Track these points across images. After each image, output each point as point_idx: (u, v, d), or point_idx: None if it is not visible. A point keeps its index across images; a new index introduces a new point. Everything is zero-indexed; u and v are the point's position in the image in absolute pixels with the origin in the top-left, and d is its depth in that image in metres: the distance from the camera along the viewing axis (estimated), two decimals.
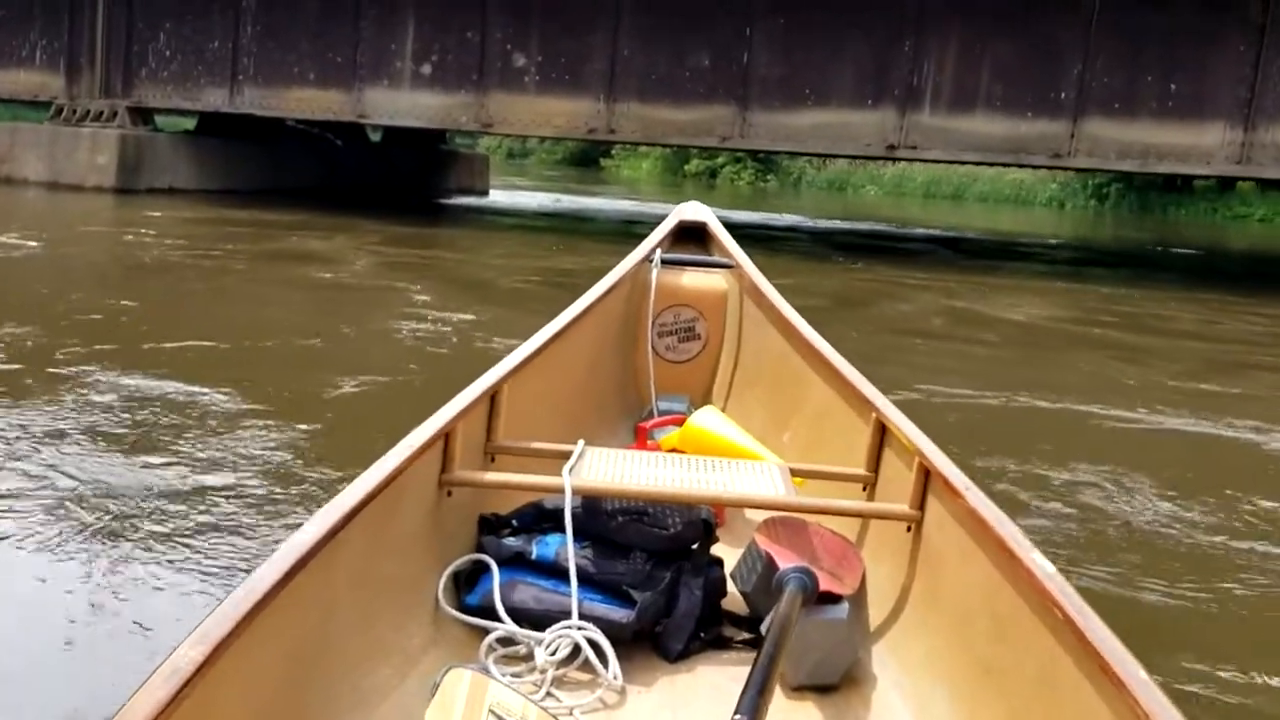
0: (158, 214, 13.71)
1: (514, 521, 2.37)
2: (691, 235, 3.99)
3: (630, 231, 16.12)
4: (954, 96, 13.52)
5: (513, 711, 1.68)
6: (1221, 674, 2.90)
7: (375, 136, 22.86)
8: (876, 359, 6.01)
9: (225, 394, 4.99)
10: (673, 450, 2.83)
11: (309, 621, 1.72)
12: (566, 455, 2.48)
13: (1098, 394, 6.47)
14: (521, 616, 2.15)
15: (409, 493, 2.12)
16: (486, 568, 2.24)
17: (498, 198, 23.63)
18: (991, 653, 1.94)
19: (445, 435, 2.26)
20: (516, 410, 2.68)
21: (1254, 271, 17.97)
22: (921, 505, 2.32)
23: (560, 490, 2.29)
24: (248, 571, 2.14)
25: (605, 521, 2.28)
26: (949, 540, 2.19)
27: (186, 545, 3.26)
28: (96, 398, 4.80)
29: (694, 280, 3.80)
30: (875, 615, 2.28)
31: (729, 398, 3.67)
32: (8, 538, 3.22)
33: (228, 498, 3.68)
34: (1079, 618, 1.66)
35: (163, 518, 3.45)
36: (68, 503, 3.52)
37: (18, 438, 4.15)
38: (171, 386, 5.06)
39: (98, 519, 3.40)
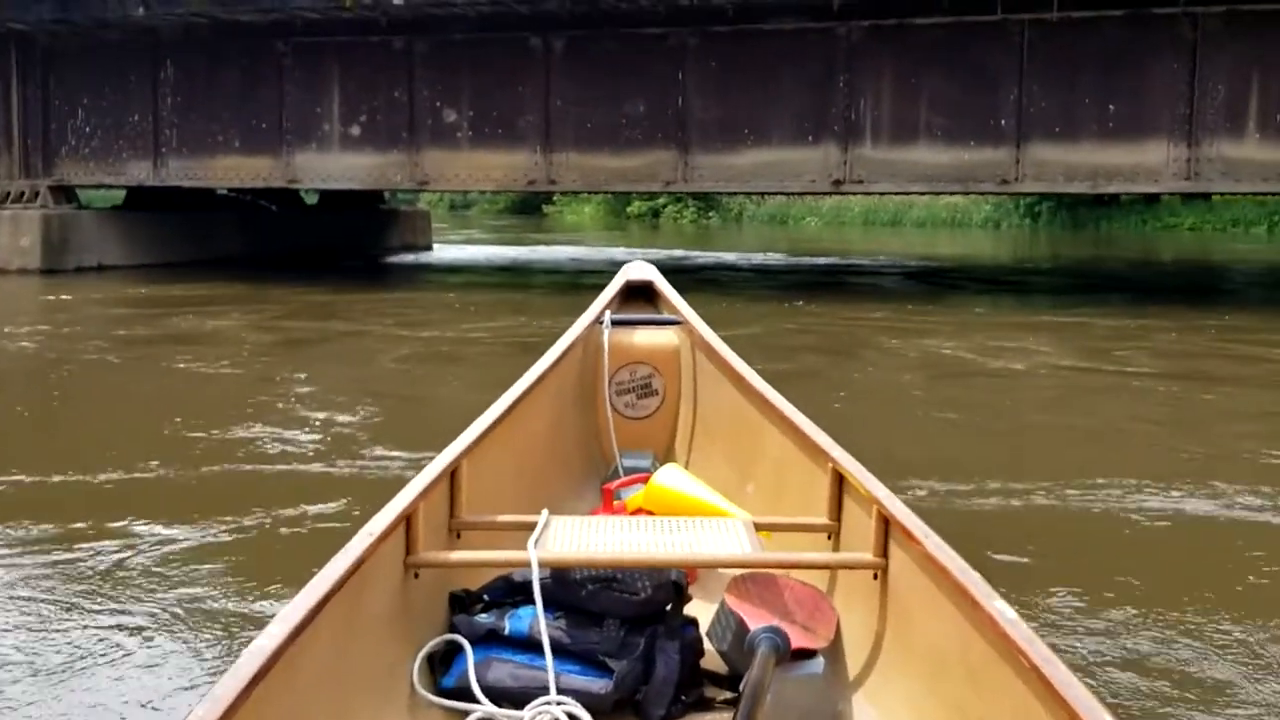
0: (69, 297, 13.18)
1: (485, 596, 2.35)
2: (639, 294, 4.05)
3: (578, 283, 15.80)
4: (894, 129, 13.39)
5: None
6: None
7: (311, 200, 22.57)
8: (873, 439, 5.21)
9: None
10: (638, 511, 2.86)
11: None
12: (532, 526, 2.44)
13: (1189, 479, 5.20)
14: (499, 695, 2.13)
15: (374, 580, 2.09)
16: (460, 647, 2.22)
17: (442, 252, 23.42)
18: (966, 700, 1.95)
19: (407, 517, 2.25)
20: (479, 484, 2.67)
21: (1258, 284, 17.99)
22: (885, 553, 2.33)
23: (528, 564, 2.24)
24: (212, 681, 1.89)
25: (575, 591, 2.26)
26: (914, 587, 2.20)
27: None
28: None
29: (645, 338, 3.84)
30: (852, 665, 2.27)
31: (691, 451, 3.71)
32: None
33: None
34: (1045, 666, 1.67)
35: None
36: None
37: None
38: None
39: None
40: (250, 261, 17.63)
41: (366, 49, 15.01)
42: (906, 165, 13.42)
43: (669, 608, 2.28)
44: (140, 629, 3.38)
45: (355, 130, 15.22)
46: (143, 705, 2.89)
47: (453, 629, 2.28)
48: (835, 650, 2.19)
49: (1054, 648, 1.75)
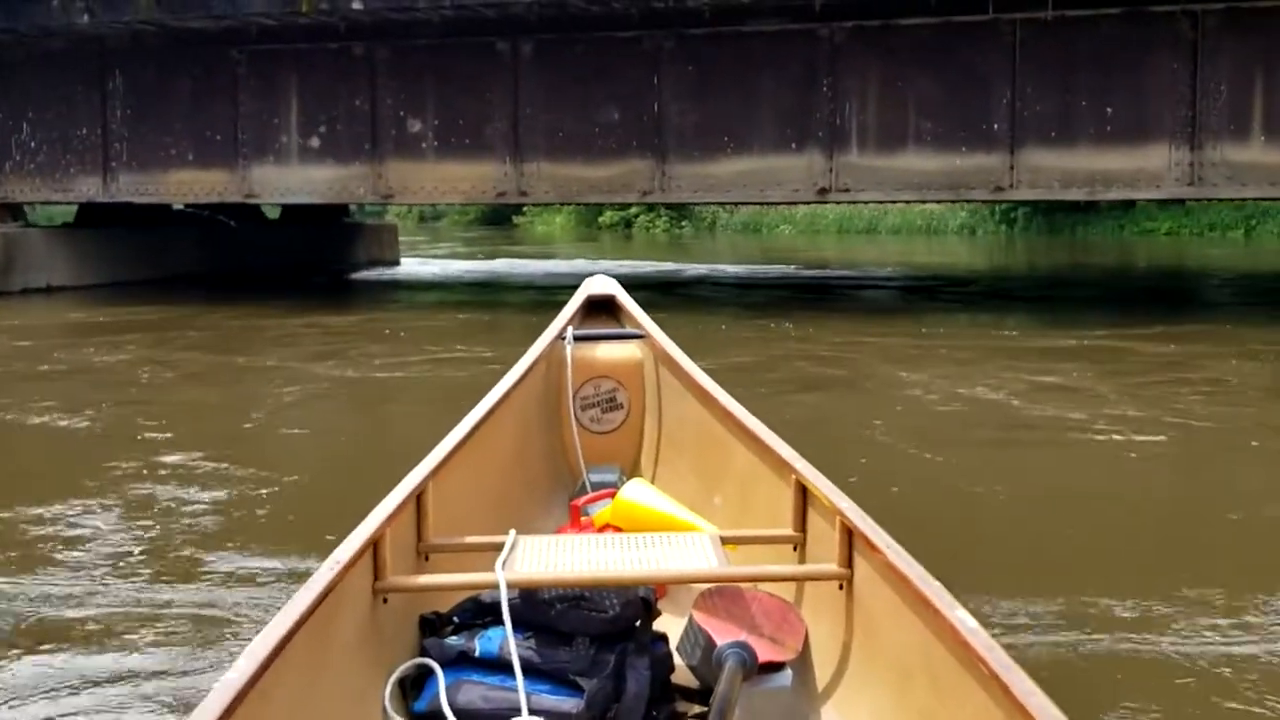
0: None
1: (455, 619, 2.37)
2: (601, 308, 4.08)
3: (551, 300, 15.07)
4: (881, 135, 12.78)
5: None
6: None
7: (273, 214, 21.84)
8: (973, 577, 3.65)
9: None
10: (606, 526, 2.88)
11: None
12: (500, 546, 2.45)
13: None
14: (471, 717, 2.14)
15: (343, 607, 2.09)
16: (432, 670, 2.23)
17: (410, 267, 22.80)
18: (931, 708, 1.97)
19: (374, 543, 2.25)
20: (446, 506, 2.68)
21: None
22: (850, 563, 2.35)
23: (496, 585, 2.25)
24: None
25: (545, 610, 2.27)
26: (879, 597, 2.21)
27: None
28: None
29: (609, 352, 3.87)
30: (820, 676, 2.31)
31: (658, 464, 3.73)
32: None
33: None
34: (1005, 673, 1.71)
35: None
36: None
37: None
38: None
39: None
40: (208, 280, 16.90)
41: (325, 56, 14.31)
42: (895, 172, 12.80)
43: (638, 624, 2.29)
44: None
45: (315, 142, 14.51)
46: None
47: (423, 652, 2.29)
48: (803, 662, 2.23)
49: (1014, 655, 1.75)
